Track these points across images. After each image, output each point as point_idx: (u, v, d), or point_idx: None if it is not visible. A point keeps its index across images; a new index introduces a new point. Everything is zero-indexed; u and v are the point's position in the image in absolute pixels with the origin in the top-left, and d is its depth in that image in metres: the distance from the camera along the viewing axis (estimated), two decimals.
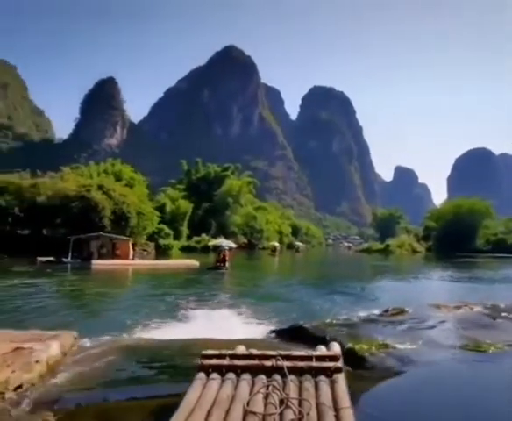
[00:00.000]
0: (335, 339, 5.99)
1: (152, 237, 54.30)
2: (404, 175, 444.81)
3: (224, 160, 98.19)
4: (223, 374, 3.73)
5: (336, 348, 4.29)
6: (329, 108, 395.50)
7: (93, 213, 41.54)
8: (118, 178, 55.11)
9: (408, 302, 12.04)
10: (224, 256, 31.06)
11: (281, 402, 3.24)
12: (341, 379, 3.60)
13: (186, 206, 66.30)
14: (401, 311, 9.87)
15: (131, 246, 31.22)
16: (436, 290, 23.10)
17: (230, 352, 4.02)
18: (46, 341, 6.15)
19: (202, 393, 3.42)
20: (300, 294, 19.07)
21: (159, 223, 55.66)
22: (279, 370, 3.69)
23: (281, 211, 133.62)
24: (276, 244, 70.42)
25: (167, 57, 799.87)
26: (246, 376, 3.67)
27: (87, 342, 7.55)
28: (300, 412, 3.08)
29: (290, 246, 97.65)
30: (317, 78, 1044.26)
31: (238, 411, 3.11)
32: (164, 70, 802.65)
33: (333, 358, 3.84)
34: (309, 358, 3.83)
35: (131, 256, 30.52)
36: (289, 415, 3.08)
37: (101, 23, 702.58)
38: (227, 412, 3.13)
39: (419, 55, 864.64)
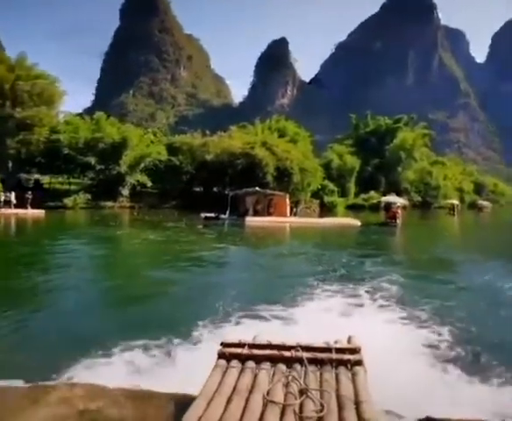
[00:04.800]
0: None
1: (317, 194, 53.01)
2: None
3: (398, 113, 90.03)
4: (242, 363, 3.58)
5: (356, 340, 3.90)
6: None
7: (257, 169, 42.10)
8: (282, 134, 54.79)
9: None
10: (395, 213, 29.61)
11: (301, 392, 3.08)
12: (361, 372, 3.38)
13: (353, 162, 63.20)
14: None
15: (287, 203, 29.99)
16: None
17: (249, 341, 3.87)
18: None
19: (221, 380, 3.31)
20: (477, 272, 13.05)
21: (324, 179, 54.00)
22: (298, 361, 3.53)
23: (463, 167, 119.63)
24: (455, 202, 62.21)
25: (335, 11, 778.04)
26: (266, 365, 3.51)
27: None
28: (320, 403, 2.92)
29: (472, 206, 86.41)
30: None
31: (258, 400, 3.00)
32: (334, 26, 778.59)
33: (353, 351, 3.64)
34: (328, 350, 3.65)
35: (287, 213, 29.30)
36: (309, 405, 2.93)
37: None
38: (247, 400, 3.02)
39: None
